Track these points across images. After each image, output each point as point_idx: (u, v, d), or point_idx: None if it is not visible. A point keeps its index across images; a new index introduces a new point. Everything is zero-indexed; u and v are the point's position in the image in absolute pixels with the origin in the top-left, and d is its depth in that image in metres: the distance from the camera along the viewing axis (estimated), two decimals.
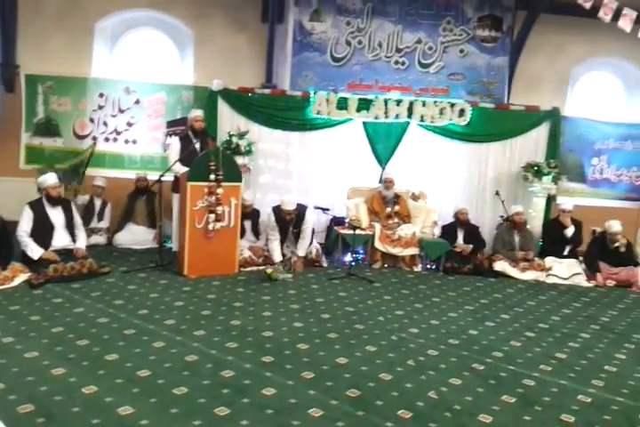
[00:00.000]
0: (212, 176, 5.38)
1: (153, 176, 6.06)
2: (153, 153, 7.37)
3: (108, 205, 6.91)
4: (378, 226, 6.65)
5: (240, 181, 5.70)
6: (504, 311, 5.06)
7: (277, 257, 6.02)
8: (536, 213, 7.29)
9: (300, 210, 6.10)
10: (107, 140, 7.31)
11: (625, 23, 6.55)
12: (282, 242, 6.17)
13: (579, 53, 8.20)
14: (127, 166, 7.29)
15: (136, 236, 6.68)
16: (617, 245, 6.48)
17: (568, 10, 7.12)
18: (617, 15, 6.51)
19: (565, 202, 7.01)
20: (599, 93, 8.66)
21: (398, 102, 7.30)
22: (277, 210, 6.05)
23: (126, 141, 7.32)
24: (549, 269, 6.54)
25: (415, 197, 7.18)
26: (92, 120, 7.25)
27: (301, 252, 6.13)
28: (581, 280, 6.47)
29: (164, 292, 4.89)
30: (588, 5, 6.48)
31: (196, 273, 5.41)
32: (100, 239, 6.65)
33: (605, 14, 6.53)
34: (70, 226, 5.39)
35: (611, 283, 6.47)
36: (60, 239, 5.26)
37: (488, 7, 7.57)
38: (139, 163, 7.32)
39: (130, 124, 7.32)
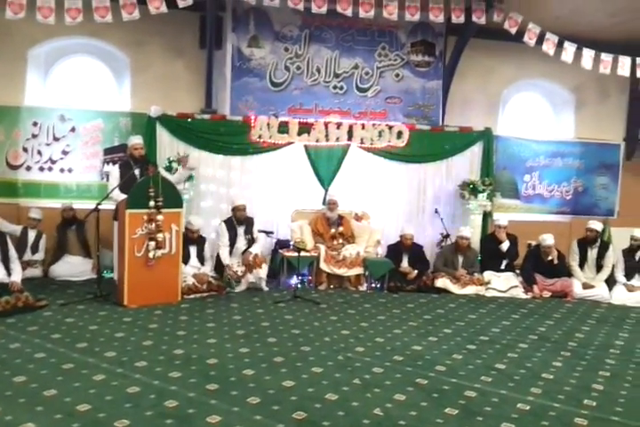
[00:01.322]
0: (152, 203, 5.32)
1: (90, 205, 5.92)
2: (90, 181, 7.21)
3: (43, 236, 6.69)
4: (322, 247, 6.72)
5: (181, 206, 5.67)
6: (446, 326, 5.19)
7: (227, 260, 6.34)
8: (473, 229, 7.53)
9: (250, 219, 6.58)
10: (41, 169, 7.09)
11: (548, 47, 6.98)
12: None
13: (508, 76, 8.59)
14: (63, 196, 7.07)
15: (73, 267, 6.49)
16: (550, 258, 6.77)
17: (496, 35, 7.46)
18: (541, 39, 6.94)
19: (500, 218, 7.28)
20: (529, 113, 9.08)
21: (338, 126, 7.46)
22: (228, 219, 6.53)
23: (62, 170, 7.12)
24: (488, 282, 6.76)
25: (358, 218, 7.30)
26: (25, 149, 7.03)
27: (256, 249, 6.43)
28: (519, 292, 6.71)
29: (103, 323, 4.76)
30: (513, 31, 6.88)
31: (136, 303, 5.30)
32: (35, 272, 6.43)
33: (530, 39, 6.95)
34: (5, 259, 5.19)
35: (547, 294, 6.75)
36: None
37: (420, 33, 7.85)
38: (75, 192, 7.12)
39: (65, 153, 7.14)
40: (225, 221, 6.56)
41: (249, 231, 6.55)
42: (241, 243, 6.51)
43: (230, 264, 6.31)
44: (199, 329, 4.70)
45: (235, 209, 6.56)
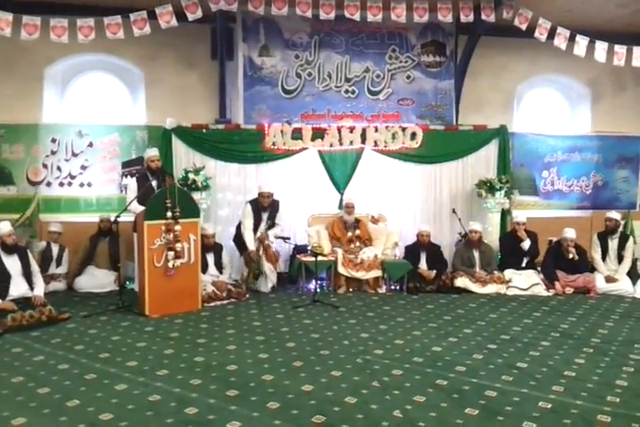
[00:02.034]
0: (169, 213, 5.40)
1: (112, 218, 6.05)
2: (109, 195, 7.33)
3: (66, 250, 6.83)
4: (340, 251, 6.73)
5: (198, 216, 5.73)
6: (466, 326, 5.15)
7: (251, 245, 6.48)
8: (492, 227, 7.48)
9: (275, 203, 6.74)
10: (61, 184, 7.24)
11: (560, 41, 6.92)
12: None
13: (521, 72, 8.52)
14: (83, 210, 7.22)
15: (97, 279, 6.59)
16: (570, 256, 6.69)
17: (507, 32, 7.43)
18: (552, 34, 6.88)
19: (519, 215, 7.21)
20: (544, 109, 8.99)
21: (351, 129, 7.47)
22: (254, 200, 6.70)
23: (81, 185, 7.27)
24: (509, 281, 6.70)
25: (375, 220, 7.29)
26: (45, 166, 7.19)
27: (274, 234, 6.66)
28: (540, 290, 6.63)
29: (125, 334, 4.83)
30: (524, 27, 6.83)
31: (157, 312, 5.37)
32: (59, 285, 6.54)
33: (541, 34, 6.89)
34: (27, 274, 5.28)
35: (569, 290, 6.66)
36: (18, 288, 5.14)
37: (431, 34, 7.83)
38: (95, 206, 7.26)
39: (84, 168, 7.28)
40: (250, 202, 6.72)
41: (272, 217, 6.70)
42: (262, 228, 6.65)
43: (254, 250, 6.47)
44: (219, 336, 4.74)
45: (260, 195, 6.68)
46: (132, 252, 6.10)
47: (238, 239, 6.76)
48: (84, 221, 7.09)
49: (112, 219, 6.53)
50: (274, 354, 4.27)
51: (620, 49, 7.12)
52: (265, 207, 6.66)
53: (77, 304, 5.91)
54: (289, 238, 6.68)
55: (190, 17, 6.19)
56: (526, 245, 6.90)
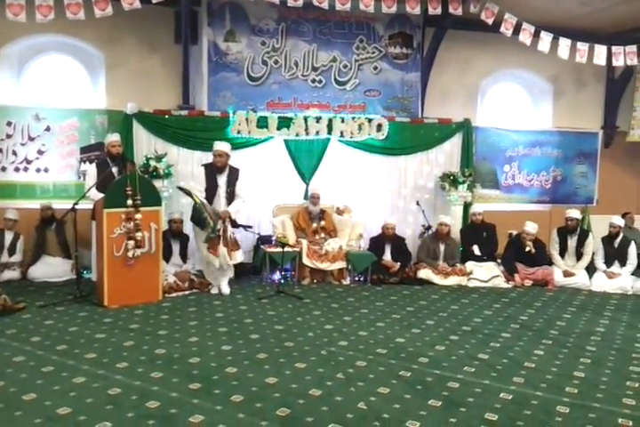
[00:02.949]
0: (130, 201, 5.25)
1: (68, 205, 5.84)
2: (66, 181, 7.08)
3: (21, 237, 6.58)
4: (305, 242, 6.70)
5: (160, 204, 5.60)
6: (429, 317, 5.21)
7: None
8: (455, 220, 7.57)
9: (235, 170, 6.07)
10: (17, 169, 6.94)
11: (525, 37, 6.99)
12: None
13: (486, 66, 8.60)
14: (39, 196, 6.95)
15: (52, 268, 6.39)
16: (527, 249, 6.83)
17: (473, 25, 7.47)
18: (517, 30, 6.95)
19: (476, 206, 7.43)
20: (507, 103, 9.11)
21: (318, 119, 7.41)
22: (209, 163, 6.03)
23: (38, 170, 6.99)
24: (470, 273, 6.82)
25: (340, 212, 7.28)
26: None
27: (232, 208, 5.94)
28: (500, 282, 6.79)
29: (83, 325, 4.70)
30: (490, 21, 6.88)
31: (117, 303, 5.24)
32: (13, 274, 6.32)
33: (507, 29, 6.96)
34: None
35: (528, 282, 6.82)
36: None
37: (398, 25, 7.81)
38: (51, 192, 6.99)
39: (41, 153, 7.00)
40: (205, 166, 6.11)
41: (231, 184, 5.99)
42: (221, 196, 5.95)
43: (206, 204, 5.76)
44: (181, 328, 4.66)
45: (214, 155, 5.99)
46: (90, 240, 5.93)
47: (197, 215, 5.81)
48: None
49: (64, 206, 6.36)
50: (237, 346, 4.22)
51: (583, 46, 7.25)
52: (220, 168, 5.94)
53: (33, 294, 5.72)
54: (251, 227, 6.51)
55: None
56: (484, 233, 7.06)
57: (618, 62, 7.40)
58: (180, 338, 4.38)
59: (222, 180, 5.99)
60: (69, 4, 5.73)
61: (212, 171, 6.00)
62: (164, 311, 5.18)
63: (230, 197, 6.02)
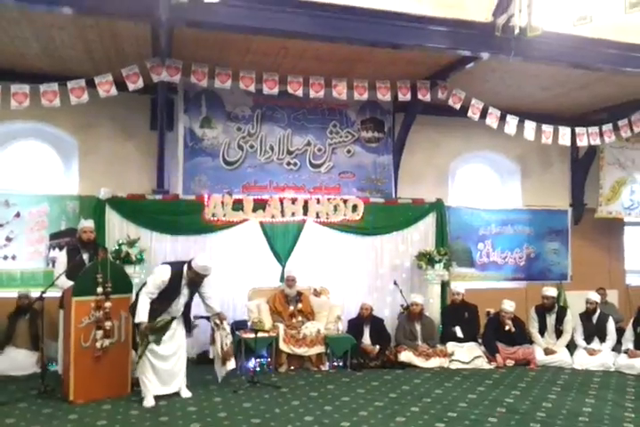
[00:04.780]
0: (100, 289, 5.08)
1: (36, 293, 5.62)
2: (34, 269, 6.86)
3: None
4: (282, 326, 6.50)
5: (131, 291, 5.42)
6: (413, 404, 5.01)
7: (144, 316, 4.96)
8: (433, 299, 7.49)
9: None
10: None
11: (491, 120, 7.29)
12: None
13: (455, 149, 8.90)
14: (6, 285, 6.71)
15: (16, 361, 6.04)
16: (507, 328, 6.76)
17: (441, 110, 7.79)
18: (484, 114, 7.27)
19: (457, 286, 7.35)
20: (477, 183, 9.37)
21: (293, 201, 7.47)
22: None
23: (5, 257, 6.78)
24: (452, 354, 6.66)
25: (317, 293, 7.17)
26: None
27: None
28: (482, 363, 6.65)
29: (46, 423, 4.41)
30: (457, 106, 7.19)
31: (83, 398, 4.93)
32: None
33: (474, 113, 7.27)
34: None
35: (510, 362, 6.70)
36: None
37: (369, 111, 8.13)
38: (19, 280, 6.76)
39: (9, 239, 6.83)
40: (172, 266, 5.27)
41: (193, 292, 5.35)
42: (182, 300, 5.28)
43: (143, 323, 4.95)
44: (150, 424, 4.36)
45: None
46: (57, 330, 5.67)
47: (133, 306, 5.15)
48: (7, 296, 6.60)
49: (32, 295, 6.14)
50: None
51: (547, 128, 7.56)
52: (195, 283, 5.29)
53: None
54: (208, 318, 5.61)
55: (131, 87, 6.15)
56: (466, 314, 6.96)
57: (582, 142, 7.69)
58: None
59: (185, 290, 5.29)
60: (45, 92, 5.85)
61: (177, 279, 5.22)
62: (134, 407, 4.87)
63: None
